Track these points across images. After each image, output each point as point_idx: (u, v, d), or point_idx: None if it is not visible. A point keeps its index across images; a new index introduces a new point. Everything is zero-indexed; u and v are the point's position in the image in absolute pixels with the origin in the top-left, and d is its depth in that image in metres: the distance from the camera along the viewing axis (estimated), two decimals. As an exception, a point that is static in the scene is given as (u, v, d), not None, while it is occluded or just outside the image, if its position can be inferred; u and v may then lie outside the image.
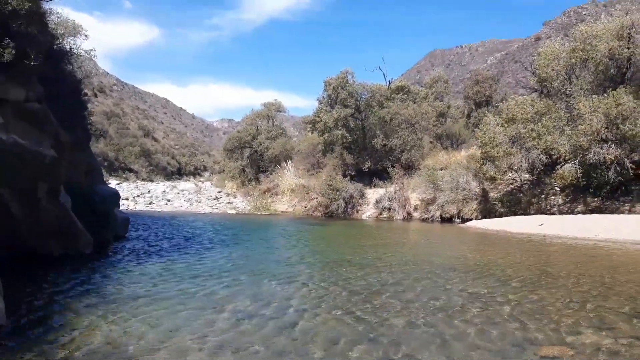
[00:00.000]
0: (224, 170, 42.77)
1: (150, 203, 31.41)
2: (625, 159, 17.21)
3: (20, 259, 9.05)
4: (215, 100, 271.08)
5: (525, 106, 20.13)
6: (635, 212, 17.36)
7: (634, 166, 17.41)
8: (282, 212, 28.23)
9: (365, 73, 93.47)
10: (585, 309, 6.49)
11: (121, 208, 16.97)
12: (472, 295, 7.43)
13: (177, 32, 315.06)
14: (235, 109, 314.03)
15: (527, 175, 21.46)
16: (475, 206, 21.59)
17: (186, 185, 42.12)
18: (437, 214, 22.39)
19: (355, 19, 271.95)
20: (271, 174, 33.17)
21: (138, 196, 33.46)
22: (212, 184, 42.28)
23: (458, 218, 21.65)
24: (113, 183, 34.61)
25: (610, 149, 17.21)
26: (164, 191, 36.51)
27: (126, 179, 50.40)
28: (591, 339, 5.29)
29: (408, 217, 23.70)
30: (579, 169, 17.88)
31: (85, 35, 10.65)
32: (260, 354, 4.90)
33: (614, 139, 17.36)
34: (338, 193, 25.33)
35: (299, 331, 5.66)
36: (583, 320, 5.97)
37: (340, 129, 29.68)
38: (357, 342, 5.26)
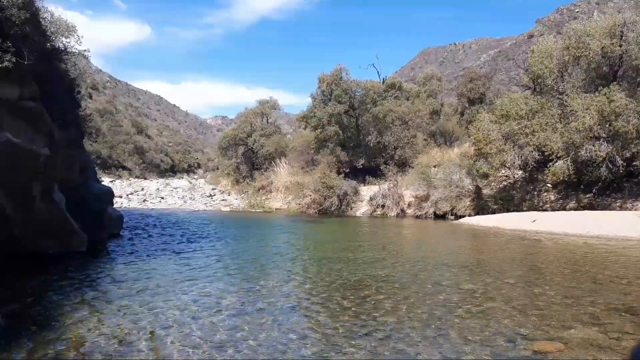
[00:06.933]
0: (218, 168, 42.64)
1: (144, 201, 31.28)
2: (617, 156, 17.37)
3: (15, 258, 9.04)
4: (208, 97, 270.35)
5: (518, 103, 20.26)
6: (626, 209, 17.54)
7: (624, 163, 17.59)
8: (276, 209, 28.24)
9: (360, 70, 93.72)
10: (577, 304, 6.59)
11: (115, 206, 16.93)
12: (465, 291, 7.52)
13: (168, 31, 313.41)
14: (228, 106, 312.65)
15: (520, 172, 21.62)
16: (468, 203, 21.71)
17: (180, 182, 41.98)
18: (431, 210, 22.49)
19: (347, 18, 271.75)
20: (265, 171, 33.14)
21: (132, 194, 33.32)
22: (206, 181, 42.16)
23: (451, 215, 21.76)
24: (106, 181, 34.45)
25: (602, 146, 17.36)
26: (158, 189, 36.39)
27: (119, 177, 50.12)
28: (582, 333, 5.38)
29: (402, 213, 23.79)
30: (571, 166, 18.02)
31: (79, 37, 10.62)
32: (254, 349, 4.95)
33: (606, 136, 17.50)
34: (332, 190, 25.38)
35: (292, 326, 5.71)
36: (575, 315, 6.07)
37: (333, 126, 29.72)
38: (350, 337, 5.33)
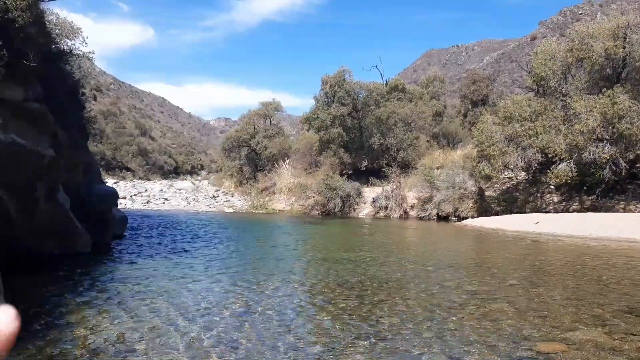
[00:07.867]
0: (221, 169, 42.75)
1: (148, 202, 31.37)
2: (620, 158, 17.34)
3: (19, 259, 9.07)
4: (211, 99, 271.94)
5: (521, 105, 20.26)
6: (629, 211, 17.50)
7: (628, 165, 17.56)
8: (279, 210, 28.26)
9: (363, 72, 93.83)
10: (581, 306, 6.57)
11: (119, 207, 16.97)
12: (468, 292, 7.51)
13: (171, 33, 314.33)
14: (230, 108, 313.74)
15: (523, 174, 21.60)
16: (471, 205, 21.69)
17: (183, 184, 42.08)
18: (434, 212, 22.48)
19: (349, 20, 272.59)
20: (269, 172, 33.20)
21: (135, 195, 33.40)
22: (209, 182, 42.25)
23: (454, 216, 21.74)
24: (110, 182, 34.51)
25: (606, 148, 17.34)
26: (161, 190, 36.47)
27: (123, 178, 50.30)
28: (587, 335, 5.36)
29: (405, 215, 23.78)
30: (574, 167, 18.00)
31: (84, 38, 10.69)
32: (255, 350, 4.96)
33: (609, 138, 17.47)
34: (335, 192, 25.40)
35: (295, 327, 5.71)
36: (578, 317, 6.05)
37: (337, 128, 29.77)
38: (354, 338, 5.32)
